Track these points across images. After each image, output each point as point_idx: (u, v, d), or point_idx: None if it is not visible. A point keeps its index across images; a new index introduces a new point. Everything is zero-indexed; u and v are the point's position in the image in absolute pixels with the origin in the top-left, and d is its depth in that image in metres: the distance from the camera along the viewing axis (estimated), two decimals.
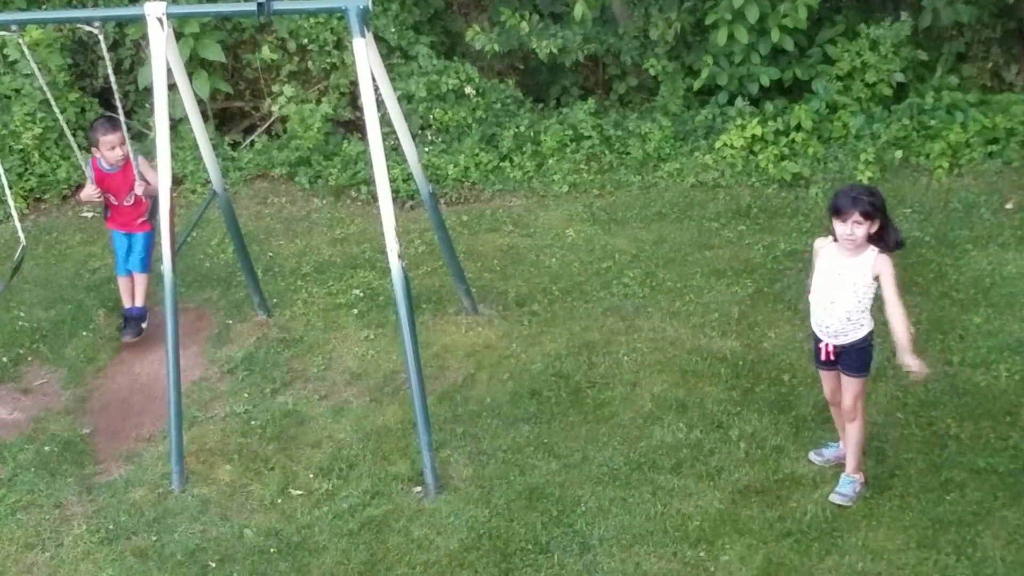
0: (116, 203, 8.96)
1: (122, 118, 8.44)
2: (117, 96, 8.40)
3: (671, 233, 10.20)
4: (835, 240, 6.74)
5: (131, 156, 8.76)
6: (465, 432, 7.85)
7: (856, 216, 6.55)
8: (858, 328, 6.77)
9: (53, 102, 8.73)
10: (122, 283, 9.13)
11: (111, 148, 8.72)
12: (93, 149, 8.91)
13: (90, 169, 8.89)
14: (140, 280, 9.07)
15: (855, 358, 6.84)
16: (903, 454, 7.33)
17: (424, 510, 7.20)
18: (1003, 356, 8.13)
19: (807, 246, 9.46)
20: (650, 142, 11.43)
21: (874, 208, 6.57)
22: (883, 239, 6.65)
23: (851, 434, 6.97)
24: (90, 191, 8.85)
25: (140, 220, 8.97)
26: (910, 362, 6.57)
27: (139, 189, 8.75)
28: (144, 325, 9.06)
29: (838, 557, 6.60)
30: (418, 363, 7.38)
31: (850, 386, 6.87)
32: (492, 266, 9.90)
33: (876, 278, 6.65)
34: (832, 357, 6.89)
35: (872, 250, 6.64)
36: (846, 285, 6.70)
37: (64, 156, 11.69)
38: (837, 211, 6.61)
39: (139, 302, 9.07)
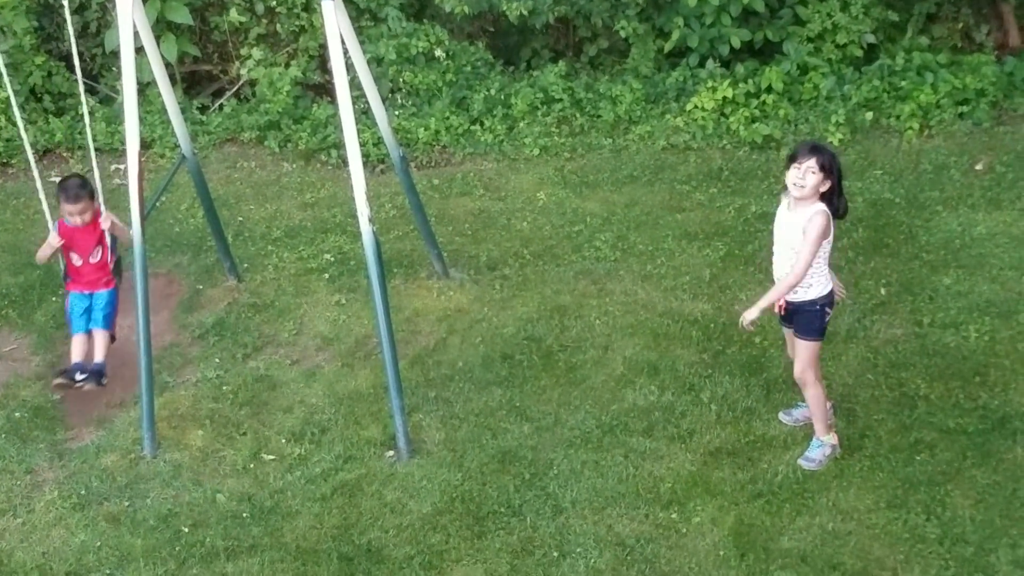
0: (80, 263, 8.03)
1: (80, 85, 8.14)
2: (78, 72, 8.13)
3: (642, 196, 10.20)
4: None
5: (102, 209, 7.99)
6: (437, 396, 7.86)
7: (811, 163, 6.51)
8: (806, 288, 6.74)
9: (13, 98, 8.28)
10: (77, 340, 8.00)
11: (72, 215, 7.88)
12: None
13: (55, 228, 7.96)
14: (101, 337, 8.03)
15: (804, 321, 6.83)
16: (873, 415, 7.37)
17: (396, 474, 7.20)
18: (972, 317, 8.18)
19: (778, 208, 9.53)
20: (621, 105, 11.40)
21: (831, 164, 6.56)
22: (832, 202, 6.63)
23: (809, 400, 7.00)
24: (52, 241, 7.92)
25: (105, 279, 8.06)
26: (747, 315, 6.69)
27: (105, 224, 7.91)
28: (104, 382, 7.97)
29: (809, 518, 6.64)
30: (390, 328, 7.37)
31: (800, 350, 6.88)
32: (463, 230, 9.87)
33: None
34: (783, 313, 6.90)
35: (816, 206, 6.59)
36: (785, 240, 6.70)
37: (31, 120, 11.58)
38: (792, 157, 6.59)
39: (99, 357, 7.98)
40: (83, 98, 8.36)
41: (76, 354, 7.95)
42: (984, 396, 7.46)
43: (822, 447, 7.02)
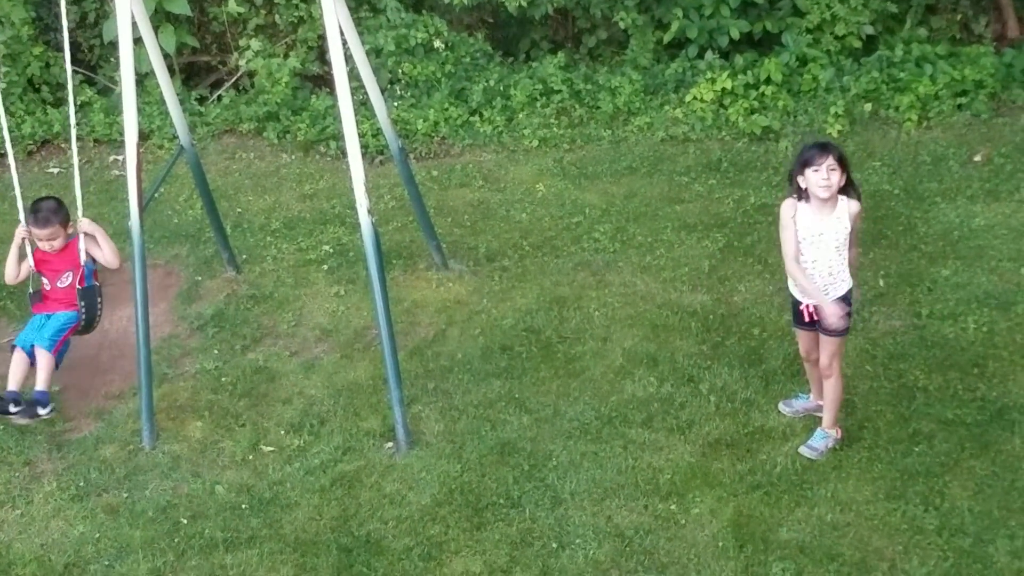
0: (49, 287, 7.75)
1: (69, 73, 7.86)
2: (67, 62, 7.86)
3: (641, 187, 10.20)
4: (800, 199, 6.67)
5: (80, 223, 7.69)
6: (436, 388, 7.85)
7: (831, 161, 6.51)
8: (840, 283, 6.75)
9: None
10: (16, 359, 7.60)
11: (40, 240, 7.62)
12: None
13: (32, 252, 7.71)
14: (44, 360, 7.56)
15: (836, 312, 6.74)
16: (872, 406, 7.37)
17: (396, 466, 7.20)
18: (971, 308, 8.18)
19: (777, 200, 9.46)
20: (620, 96, 11.39)
21: (844, 157, 6.59)
22: (849, 194, 6.64)
23: (828, 391, 6.98)
24: (28, 263, 7.68)
25: (68, 302, 7.70)
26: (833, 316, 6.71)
27: (82, 227, 7.65)
28: (43, 412, 7.50)
29: (807, 509, 6.64)
30: (389, 319, 7.36)
31: (829, 345, 6.86)
32: (462, 221, 9.87)
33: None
34: (815, 317, 6.85)
35: (844, 200, 6.62)
36: (827, 242, 6.66)
37: (29, 111, 11.58)
38: (808, 162, 6.55)
39: (41, 385, 7.52)
40: (70, 89, 7.98)
41: (13, 379, 7.53)
42: (982, 387, 7.46)
43: (826, 438, 7.02)
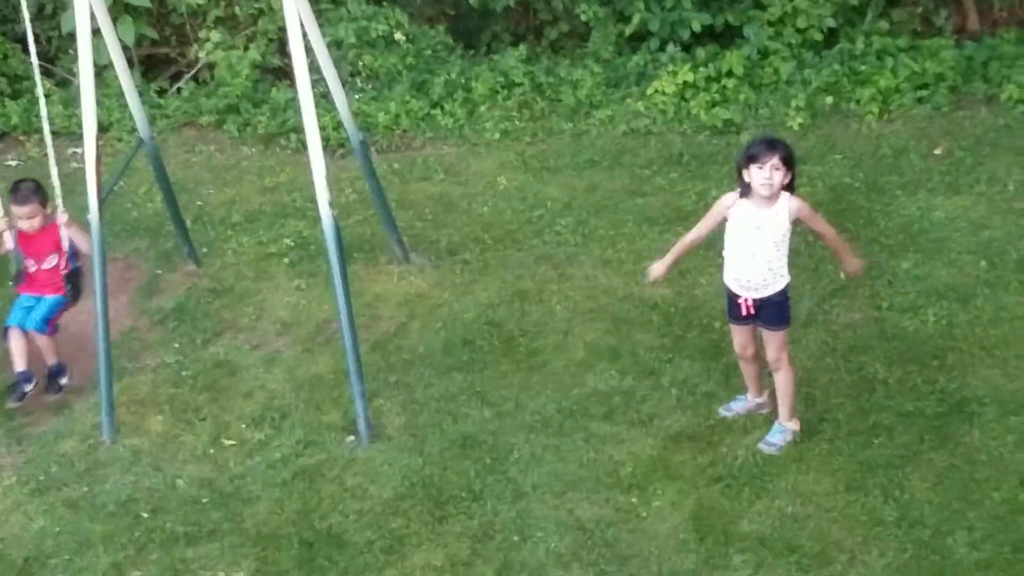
0: (35, 269, 7.94)
1: (36, 66, 8.03)
2: (32, 50, 7.97)
3: (603, 181, 10.20)
4: (742, 195, 6.71)
5: (59, 214, 7.81)
6: (398, 381, 7.84)
7: (775, 160, 6.52)
8: (778, 279, 6.78)
9: None
10: (14, 338, 7.88)
11: (21, 219, 7.81)
12: None
13: (15, 233, 7.92)
14: (43, 341, 7.94)
15: (774, 311, 6.85)
16: (832, 399, 7.41)
17: (357, 459, 7.19)
18: (931, 301, 8.23)
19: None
20: (582, 89, 11.40)
21: (791, 156, 6.59)
22: (793, 190, 6.69)
23: (780, 384, 7.01)
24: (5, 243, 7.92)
25: (55, 285, 7.92)
26: (855, 264, 7.08)
27: (62, 219, 7.79)
28: (64, 381, 7.99)
29: (768, 501, 6.67)
30: (350, 312, 7.35)
31: (772, 339, 6.90)
32: (424, 215, 9.85)
33: (795, 222, 6.69)
34: (752, 311, 6.89)
35: (785, 196, 6.64)
36: (765, 237, 6.69)
37: None
38: (754, 158, 6.56)
39: (51, 360, 7.98)
40: (38, 81, 8.15)
41: (18, 359, 7.85)
42: (942, 380, 7.50)
43: (783, 432, 7.05)
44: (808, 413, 7.25)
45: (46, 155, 9.20)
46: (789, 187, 6.65)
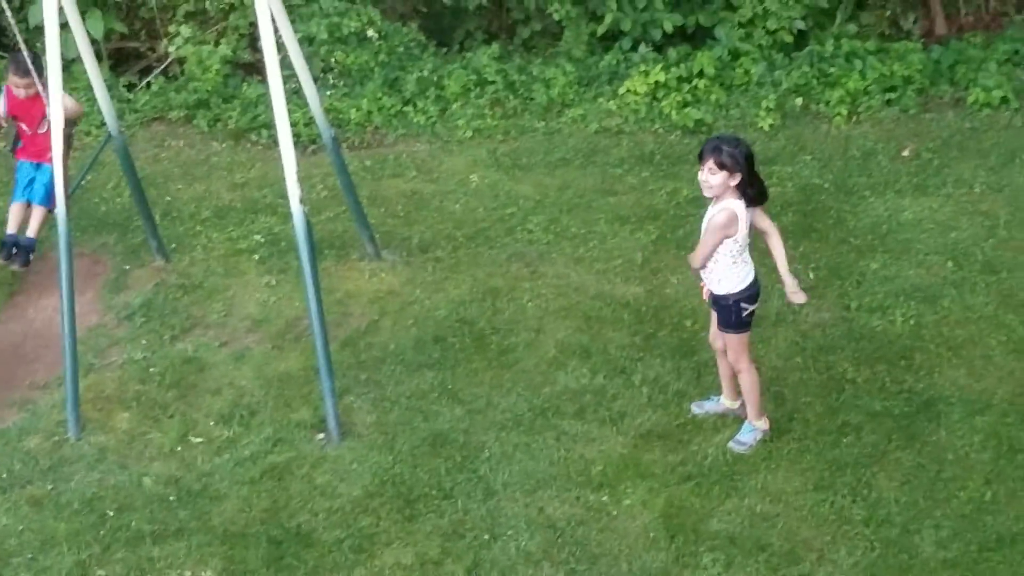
0: (29, 132, 8.79)
1: (25, 55, 8.31)
2: (19, 35, 8.13)
3: (575, 179, 10.20)
4: None
5: (41, 91, 8.26)
6: (368, 378, 7.82)
7: (710, 163, 6.58)
8: (716, 282, 6.82)
9: None
10: (14, 209, 8.87)
11: (18, 88, 8.63)
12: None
13: (4, 97, 8.76)
14: (38, 212, 8.82)
15: (722, 313, 6.92)
16: (801, 398, 7.43)
17: (327, 457, 7.16)
18: (899, 301, 8.27)
19: None
20: (554, 87, 11.40)
21: (732, 160, 6.56)
22: (744, 193, 6.65)
23: (742, 385, 7.05)
24: None
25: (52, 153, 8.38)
26: (799, 297, 6.96)
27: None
28: (32, 256, 8.85)
29: (738, 500, 6.69)
30: (320, 309, 7.32)
31: (728, 340, 6.97)
32: (395, 211, 9.83)
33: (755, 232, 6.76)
34: (707, 299, 7.00)
35: (725, 202, 6.65)
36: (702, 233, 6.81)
37: None
38: (698, 157, 6.69)
39: (32, 233, 8.83)
40: (35, 75, 8.34)
41: (12, 223, 8.79)
42: (909, 379, 7.55)
43: (753, 432, 7.07)
44: (777, 412, 7.27)
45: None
46: (751, 196, 6.66)
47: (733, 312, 6.86)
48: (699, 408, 7.38)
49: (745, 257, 6.79)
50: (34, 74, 8.25)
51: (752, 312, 6.90)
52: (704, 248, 6.73)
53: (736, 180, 6.59)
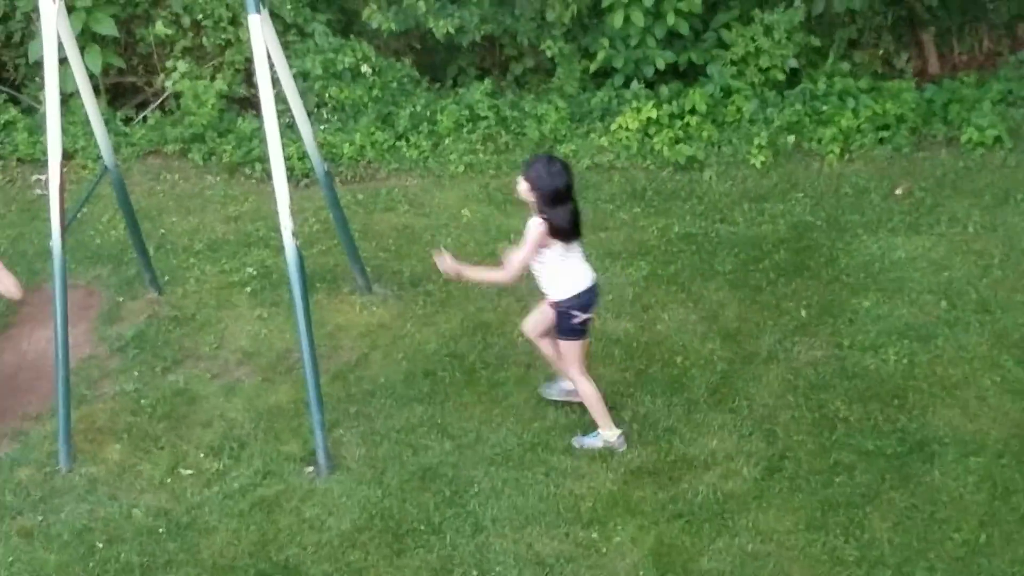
0: None
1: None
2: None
3: None
4: None
5: None
6: (358, 412, 7.82)
7: (519, 177, 7.04)
8: (548, 288, 7.12)
9: None
10: None
11: None
12: None
13: None
14: None
15: (556, 318, 7.15)
16: (793, 436, 7.43)
17: (316, 490, 7.15)
18: (891, 340, 8.27)
19: (701, 229, 9.63)
20: (546, 123, 11.42)
21: (534, 183, 6.97)
22: (544, 217, 6.95)
23: (580, 395, 7.33)
24: None
25: None
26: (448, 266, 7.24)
27: None
28: None
29: (728, 538, 6.68)
30: (311, 342, 7.33)
31: (559, 345, 7.24)
32: (387, 245, 9.84)
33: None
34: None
35: (533, 219, 6.98)
36: None
37: None
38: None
39: None
40: None
41: None
42: (903, 419, 7.55)
43: (595, 438, 7.32)
44: (769, 450, 7.27)
45: (8, 181, 9.19)
46: (553, 226, 6.94)
47: (564, 319, 7.09)
48: (548, 389, 7.67)
49: (573, 265, 7.06)
50: None
51: (586, 320, 7.12)
52: (516, 260, 7.07)
53: (531, 199, 6.98)
